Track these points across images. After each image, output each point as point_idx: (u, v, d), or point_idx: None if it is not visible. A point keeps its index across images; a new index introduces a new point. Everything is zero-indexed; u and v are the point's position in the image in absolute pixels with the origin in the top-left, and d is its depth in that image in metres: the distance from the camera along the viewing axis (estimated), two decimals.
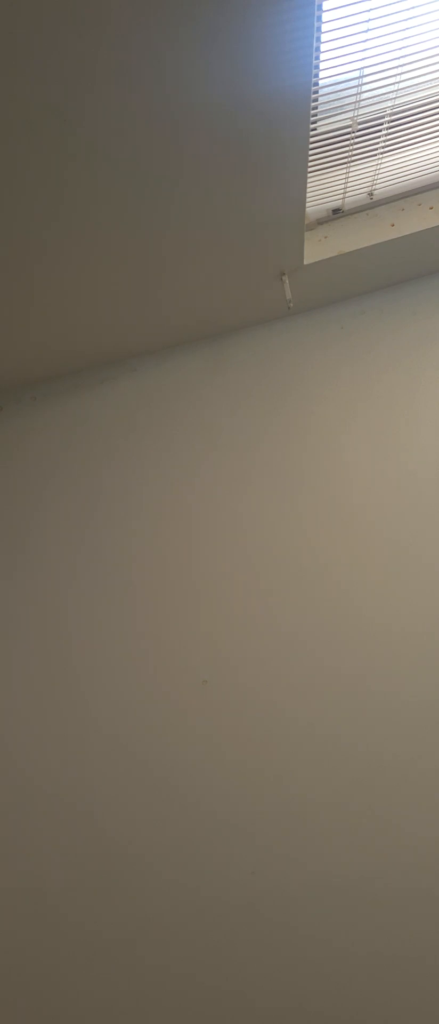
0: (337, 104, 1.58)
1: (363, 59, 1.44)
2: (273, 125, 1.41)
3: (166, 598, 2.23)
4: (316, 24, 1.23)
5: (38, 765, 2.22)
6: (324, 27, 1.32)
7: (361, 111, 1.62)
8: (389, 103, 1.61)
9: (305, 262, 1.97)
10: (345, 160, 1.77)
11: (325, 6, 1.27)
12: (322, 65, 1.42)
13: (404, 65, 1.49)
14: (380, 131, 1.69)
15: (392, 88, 1.56)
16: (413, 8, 1.35)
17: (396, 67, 1.49)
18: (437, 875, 1.99)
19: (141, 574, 2.25)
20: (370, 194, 1.95)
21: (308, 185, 1.77)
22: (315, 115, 1.57)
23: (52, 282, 1.80)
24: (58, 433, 2.37)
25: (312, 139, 1.64)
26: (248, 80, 1.28)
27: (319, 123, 1.62)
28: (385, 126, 1.68)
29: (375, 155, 1.78)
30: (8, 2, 1.04)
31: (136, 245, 1.73)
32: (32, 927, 2.17)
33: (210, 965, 2.08)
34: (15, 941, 2.18)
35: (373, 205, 1.99)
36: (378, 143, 1.73)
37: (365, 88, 1.54)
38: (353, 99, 1.57)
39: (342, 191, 1.90)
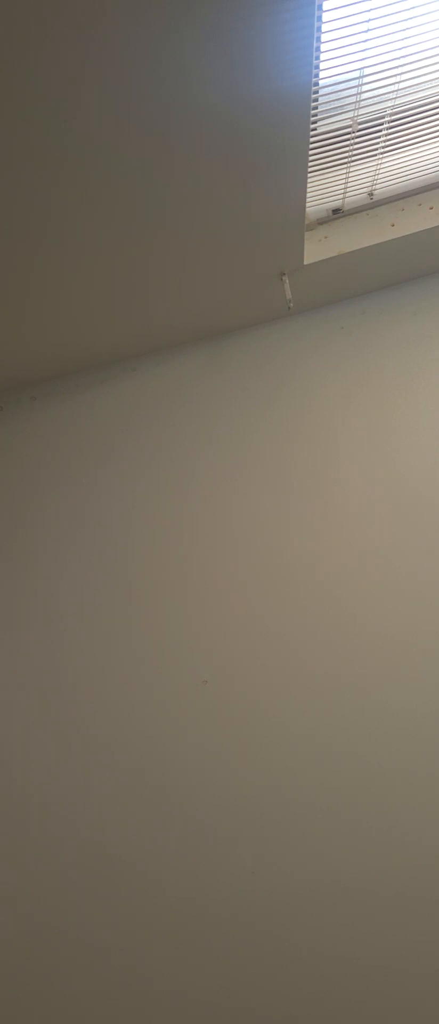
0: (337, 104, 1.58)
1: (363, 59, 1.44)
2: (273, 125, 1.41)
3: (166, 598, 2.23)
4: (316, 24, 1.22)
5: (34, 765, 2.22)
6: (324, 27, 1.32)
7: (361, 111, 1.61)
8: (389, 103, 1.61)
9: (305, 262, 1.97)
10: (345, 160, 1.77)
11: (325, 6, 1.27)
12: (322, 65, 1.42)
13: (404, 65, 1.49)
14: (380, 131, 1.69)
15: (392, 88, 1.56)
16: (413, 8, 1.34)
17: (396, 67, 1.49)
18: (435, 878, 1.99)
19: (141, 574, 2.25)
20: (370, 194, 1.95)
21: (308, 185, 1.77)
22: (315, 115, 1.57)
23: (51, 282, 1.80)
24: (58, 433, 2.37)
25: (312, 139, 1.63)
26: (248, 80, 1.28)
27: (319, 123, 1.61)
28: (385, 126, 1.68)
29: (375, 155, 1.78)
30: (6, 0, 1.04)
31: (136, 245, 1.73)
32: (30, 934, 2.17)
33: (209, 965, 2.08)
34: (12, 952, 2.18)
35: (373, 205, 1.98)
36: (378, 143, 1.73)
37: (365, 88, 1.53)
38: (353, 99, 1.56)
39: (342, 191, 1.90)
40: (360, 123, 1.65)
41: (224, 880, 2.09)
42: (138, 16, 1.11)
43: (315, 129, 1.62)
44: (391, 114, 1.64)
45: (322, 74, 1.45)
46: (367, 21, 1.34)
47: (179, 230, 1.70)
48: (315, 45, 1.28)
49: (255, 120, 1.38)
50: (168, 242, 1.74)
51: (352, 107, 1.59)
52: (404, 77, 1.53)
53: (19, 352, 2.14)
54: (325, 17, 1.30)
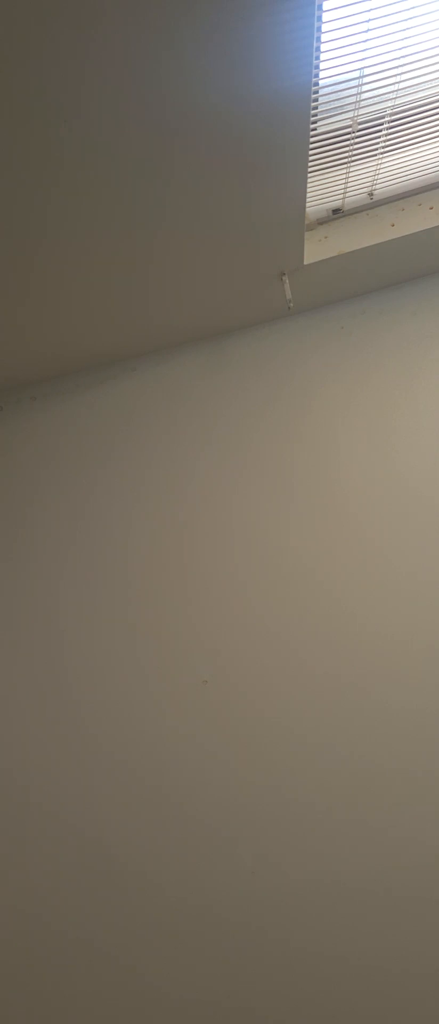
0: (337, 104, 1.57)
1: (363, 59, 1.44)
2: (273, 125, 1.41)
3: (166, 598, 2.23)
4: (316, 24, 1.22)
5: (34, 765, 2.22)
6: (324, 27, 1.32)
7: (361, 111, 1.61)
8: (389, 103, 1.61)
9: (305, 262, 1.97)
10: (345, 160, 1.77)
11: (325, 6, 1.27)
12: (322, 65, 1.42)
13: (404, 65, 1.49)
14: (380, 131, 1.69)
15: (392, 88, 1.56)
16: (413, 8, 1.34)
17: (396, 67, 1.49)
18: (435, 878, 1.99)
19: (141, 574, 2.25)
20: (370, 194, 1.95)
21: (308, 185, 1.77)
22: (315, 115, 1.57)
23: (52, 282, 1.80)
24: (58, 433, 2.37)
25: (312, 139, 1.63)
26: (248, 80, 1.28)
27: (319, 123, 1.61)
28: (385, 126, 1.68)
29: (375, 155, 1.78)
30: None
31: (136, 245, 1.73)
32: (30, 934, 2.17)
33: (209, 964, 2.08)
34: (12, 952, 2.18)
35: (373, 205, 1.98)
36: (378, 143, 1.73)
37: (365, 88, 1.53)
38: (353, 99, 1.56)
39: (342, 191, 1.90)
40: (360, 123, 1.65)
41: (224, 880, 2.09)
42: (138, 16, 1.11)
43: (315, 129, 1.62)
44: (391, 114, 1.64)
45: (322, 74, 1.45)
46: (367, 21, 1.34)
47: (179, 230, 1.70)
48: (315, 45, 1.28)
49: (255, 120, 1.38)
50: (168, 242, 1.74)
51: (352, 107, 1.59)
52: (404, 77, 1.53)
53: (19, 352, 2.14)
54: (325, 17, 1.30)
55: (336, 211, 1.98)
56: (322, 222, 2.00)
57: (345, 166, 1.79)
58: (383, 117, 1.65)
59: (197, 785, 2.13)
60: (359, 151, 1.75)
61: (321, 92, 1.51)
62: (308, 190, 1.80)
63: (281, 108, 1.36)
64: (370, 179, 1.88)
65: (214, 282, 1.98)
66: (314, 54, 1.28)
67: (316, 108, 1.55)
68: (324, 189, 1.87)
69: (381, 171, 1.85)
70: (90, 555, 2.29)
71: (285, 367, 2.27)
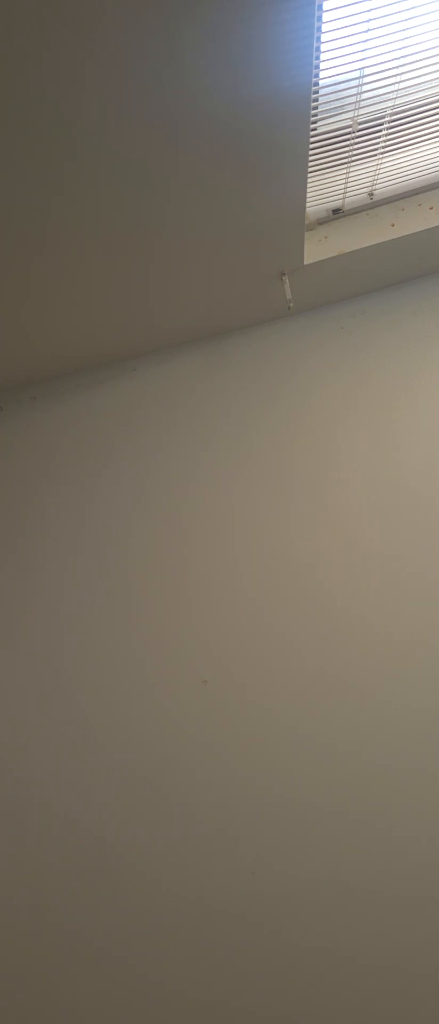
0: (337, 104, 1.58)
1: (363, 59, 1.44)
2: (273, 125, 1.41)
3: (166, 598, 2.23)
4: (316, 24, 1.22)
5: (35, 765, 2.22)
6: (324, 27, 1.32)
7: (361, 111, 1.61)
8: (389, 103, 1.61)
9: (305, 262, 1.97)
10: (345, 160, 1.77)
11: (325, 6, 1.27)
12: (322, 65, 1.42)
13: (404, 65, 1.49)
14: (380, 131, 1.69)
15: (392, 88, 1.56)
16: (413, 8, 1.34)
17: (396, 67, 1.49)
18: (436, 878, 1.99)
19: (141, 575, 2.25)
20: (370, 194, 1.95)
21: (308, 185, 1.77)
22: (315, 115, 1.57)
23: (51, 282, 1.80)
24: (58, 433, 2.37)
25: (312, 139, 1.64)
26: (248, 80, 1.28)
27: (319, 123, 1.61)
28: (385, 126, 1.68)
29: (375, 155, 1.78)
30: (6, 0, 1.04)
31: (136, 245, 1.73)
32: (31, 934, 2.17)
33: (210, 964, 2.08)
34: (12, 951, 2.18)
35: (373, 205, 1.98)
36: (378, 143, 1.73)
37: (365, 88, 1.53)
38: (353, 99, 1.56)
39: (342, 191, 1.90)
40: (360, 123, 1.65)
41: (224, 880, 2.09)
42: (138, 16, 1.11)
43: (315, 129, 1.62)
44: (391, 114, 1.64)
45: (322, 74, 1.45)
46: (367, 21, 1.34)
47: (179, 230, 1.70)
48: (315, 45, 1.28)
49: (255, 120, 1.38)
50: (168, 242, 1.74)
51: (352, 107, 1.59)
52: (404, 77, 1.53)
53: (19, 352, 2.14)
54: (325, 17, 1.30)
55: (336, 211, 1.98)
56: (322, 222, 2.00)
57: (345, 166, 1.79)
58: (383, 117, 1.65)
59: (197, 785, 2.13)
60: (359, 151, 1.75)
61: (321, 92, 1.51)
62: (308, 190, 1.80)
63: (281, 108, 1.36)
64: (370, 179, 1.88)
65: (214, 282, 1.98)
66: (314, 54, 1.28)
67: (316, 108, 1.55)
68: (324, 189, 1.87)
69: (381, 171, 1.85)
70: (90, 555, 2.29)
71: (285, 367, 2.27)
